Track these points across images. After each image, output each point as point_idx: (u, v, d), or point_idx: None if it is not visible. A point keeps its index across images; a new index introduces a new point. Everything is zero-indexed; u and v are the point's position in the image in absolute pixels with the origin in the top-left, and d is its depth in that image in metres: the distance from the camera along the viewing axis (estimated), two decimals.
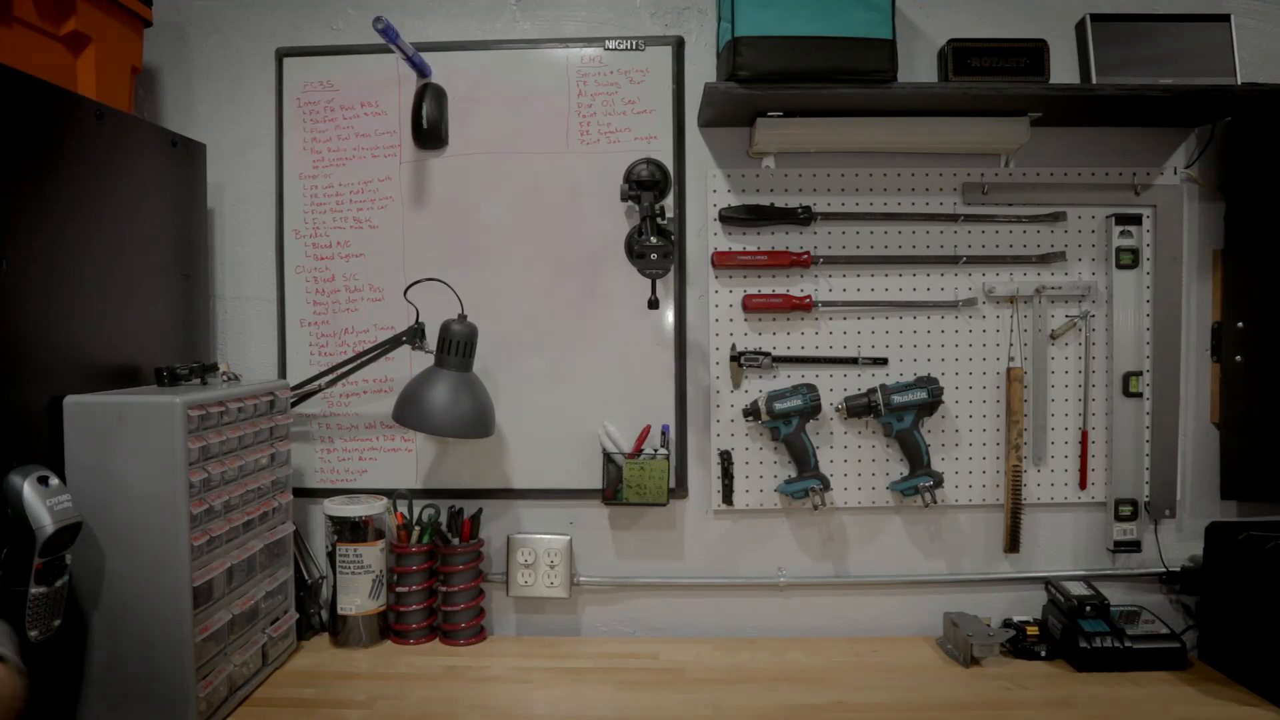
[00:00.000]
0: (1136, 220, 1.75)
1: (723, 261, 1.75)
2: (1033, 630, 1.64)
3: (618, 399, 1.77)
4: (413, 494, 1.77)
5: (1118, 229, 1.75)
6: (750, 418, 1.73)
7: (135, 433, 1.27)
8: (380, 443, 1.80)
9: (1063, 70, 1.69)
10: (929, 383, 1.71)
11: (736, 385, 1.77)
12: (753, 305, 1.75)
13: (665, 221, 1.67)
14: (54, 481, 1.19)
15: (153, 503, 1.26)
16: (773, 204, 1.76)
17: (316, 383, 1.73)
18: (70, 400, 1.28)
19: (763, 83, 1.52)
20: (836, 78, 1.51)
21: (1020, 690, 1.48)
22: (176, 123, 1.80)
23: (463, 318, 1.64)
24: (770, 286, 1.76)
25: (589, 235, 1.76)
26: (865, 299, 1.76)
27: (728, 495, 1.76)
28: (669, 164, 1.74)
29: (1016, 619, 1.68)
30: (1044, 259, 1.77)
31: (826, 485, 1.71)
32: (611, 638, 1.79)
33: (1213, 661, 1.60)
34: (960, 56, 1.61)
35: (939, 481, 1.71)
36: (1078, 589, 1.67)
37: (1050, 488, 1.78)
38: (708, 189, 1.77)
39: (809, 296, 1.75)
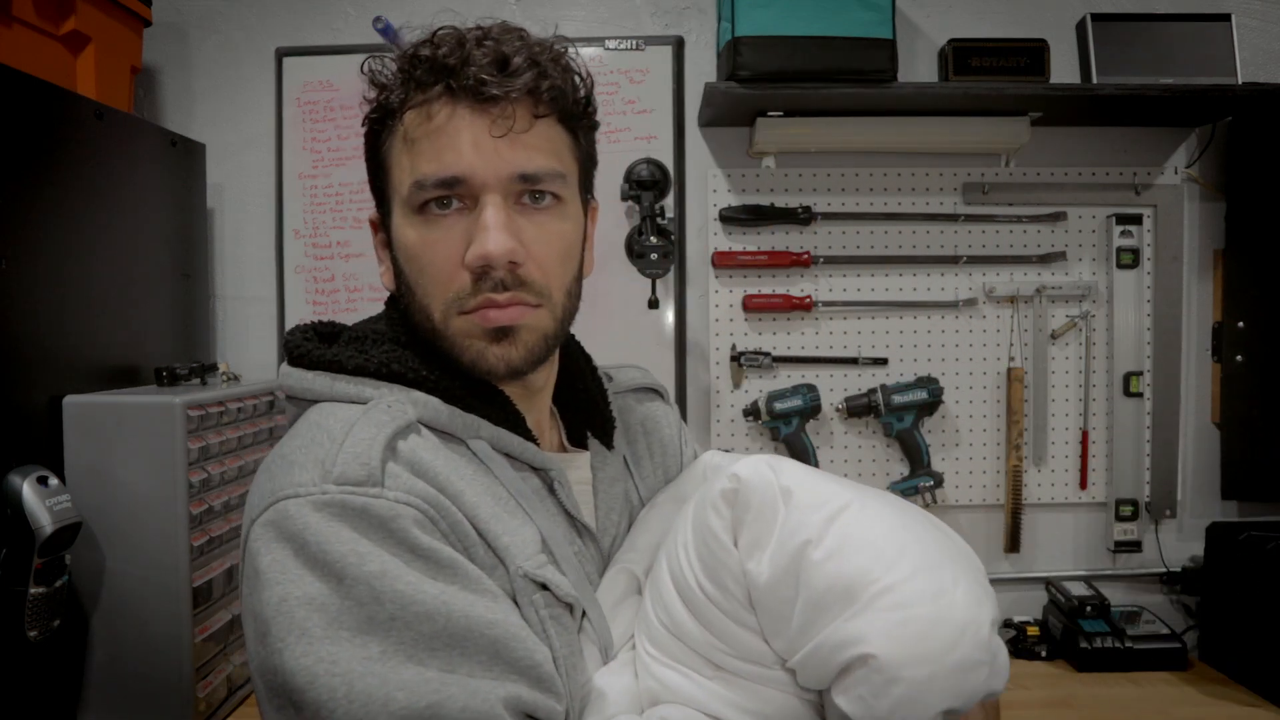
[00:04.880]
0: (1137, 220, 1.75)
1: (723, 261, 1.75)
2: (1033, 630, 1.64)
3: None
4: None
5: (1118, 229, 1.75)
6: (750, 418, 1.73)
7: (135, 433, 1.26)
8: None
9: (1063, 70, 1.69)
10: (929, 383, 1.71)
11: (737, 385, 1.77)
12: (753, 305, 1.74)
13: (665, 221, 1.67)
14: (54, 481, 1.19)
15: (153, 503, 1.26)
16: (773, 204, 1.75)
17: None
18: (70, 400, 1.27)
19: (763, 83, 1.51)
20: (837, 78, 1.51)
21: (1020, 690, 1.48)
22: (176, 123, 1.80)
23: None
24: (770, 286, 1.76)
25: None
26: (865, 299, 1.76)
27: None
28: (669, 164, 1.74)
29: (1017, 619, 1.68)
30: (1044, 259, 1.77)
31: None
32: None
33: (1213, 662, 1.60)
34: (960, 56, 1.61)
35: (939, 482, 1.71)
36: (1078, 589, 1.67)
37: (1050, 488, 1.78)
38: (708, 189, 1.77)
39: (809, 296, 1.74)
